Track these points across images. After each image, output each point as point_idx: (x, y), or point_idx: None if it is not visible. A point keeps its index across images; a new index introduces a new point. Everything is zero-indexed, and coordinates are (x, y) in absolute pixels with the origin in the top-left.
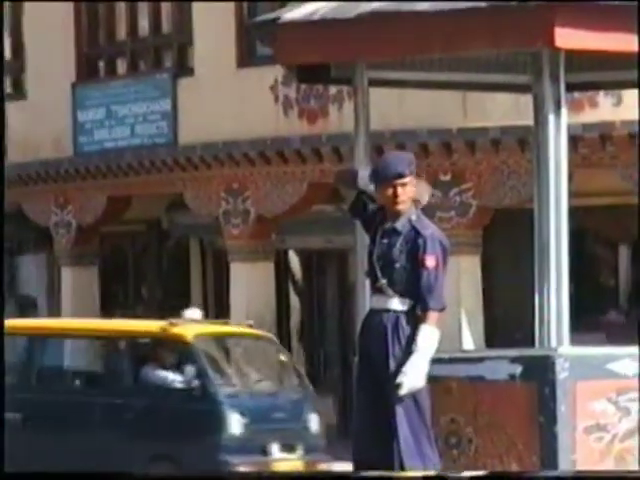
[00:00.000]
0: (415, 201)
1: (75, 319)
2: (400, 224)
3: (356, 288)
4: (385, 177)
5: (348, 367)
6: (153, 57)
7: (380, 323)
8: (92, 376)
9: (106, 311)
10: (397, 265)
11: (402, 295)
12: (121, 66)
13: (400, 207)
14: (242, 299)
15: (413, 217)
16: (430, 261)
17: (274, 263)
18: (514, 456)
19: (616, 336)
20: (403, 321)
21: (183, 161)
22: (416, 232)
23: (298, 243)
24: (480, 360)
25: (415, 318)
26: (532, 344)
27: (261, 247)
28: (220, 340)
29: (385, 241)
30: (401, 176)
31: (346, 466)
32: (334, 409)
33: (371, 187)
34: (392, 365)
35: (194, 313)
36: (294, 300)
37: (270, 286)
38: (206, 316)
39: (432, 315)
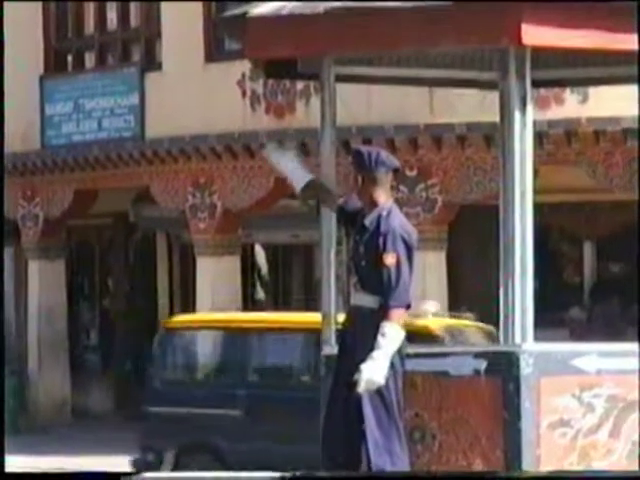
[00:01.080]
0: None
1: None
2: (369, 220)
3: (321, 283)
4: (392, 165)
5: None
6: (121, 51)
7: (352, 320)
8: (301, 371)
9: (72, 303)
10: (363, 263)
11: (371, 292)
12: (89, 60)
13: (365, 203)
14: (208, 293)
15: (384, 213)
16: (389, 259)
17: (240, 257)
18: (478, 451)
19: (579, 332)
20: (369, 318)
21: (150, 155)
22: (378, 230)
23: (264, 237)
24: (445, 355)
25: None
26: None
27: (227, 241)
28: (460, 333)
29: (357, 238)
30: (359, 169)
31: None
32: None
33: (339, 199)
34: (358, 361)
35: (432, 305)
36: (260, 294)
37: (236, 280)
38: (171, 310)
39: (394, 312)
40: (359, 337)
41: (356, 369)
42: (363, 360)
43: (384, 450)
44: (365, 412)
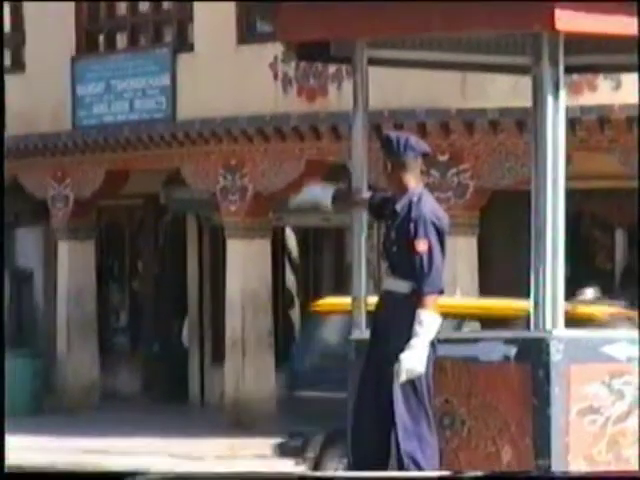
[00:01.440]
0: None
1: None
2: (400, 206)
3: (352, 267)
4: (421, 150)
5: None
6: (153, 32)
7: (385, 305)
8: None
9: (102, 285)
10: (394, 249)
11: (403, 278)
12: (121, 41)
13: (393, 190)
14: (238, 276)
15: (414, 198)
16: (421, 245)
17: (271, 240)
18: (507, 438)
19: None
20: (402, 304)
21: (181, 136)
22: (409, 215)
23: (295, 221)
24: (475, 341)
25: (415, 301)
26: (528, 326)
27: (258, 224)
28: (624, 319)
29: (388, 223)
30: (388, 155)
31: None
32: None
33: (365, 196)
34: (391, 350)
35: (591, 293)
36: (290, 278)
37: (266, 263)
38: (200, 293)
39: (428, 299)
40: (391, 322)
41: (389, 355)
42: (396, 346)
43: (413, 435)
44: (395, 397)
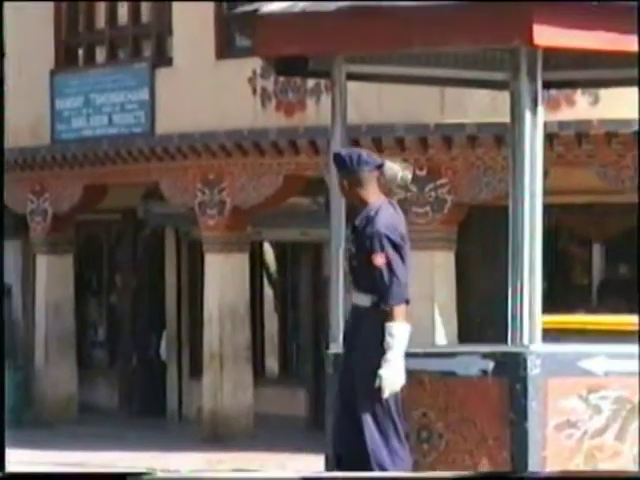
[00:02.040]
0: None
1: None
2: (358, 220)
3: (330, 281)
4: (375, 163)
5: (321, 360)
6: (132, 46)
7: (351, 318)
8: None
9: (80, 299)
10: (354, 263)
11: (364, 291)
12: (100, 54)
13: (354, 203)
14: (216, 290)
15: (372, 213)
16: (378, 259)
17: (249, 255)
18: (484, 452)
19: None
20: (364, 316)
21: (160, 151)
22: (364, 230)
23: (273, 235)
24: (452, 355)
25: (378, 313)
26: (505, 341)
27: (236, 238)
28: None
29: (350, 238)
30: (340, 170)
31: (317, 458)
32: (305, 401)
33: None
34: (357, 362)
35: None
36: (268, 292)
37: (244, 277)
38: (178, 307)
39: (396, 310)
40: (355, 335)
41: (351, 367)
42: (357, 358)
43: (382, 447)
44: (362, 410)
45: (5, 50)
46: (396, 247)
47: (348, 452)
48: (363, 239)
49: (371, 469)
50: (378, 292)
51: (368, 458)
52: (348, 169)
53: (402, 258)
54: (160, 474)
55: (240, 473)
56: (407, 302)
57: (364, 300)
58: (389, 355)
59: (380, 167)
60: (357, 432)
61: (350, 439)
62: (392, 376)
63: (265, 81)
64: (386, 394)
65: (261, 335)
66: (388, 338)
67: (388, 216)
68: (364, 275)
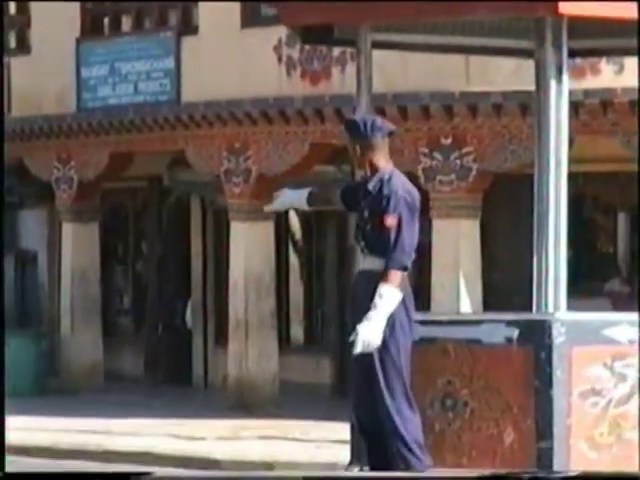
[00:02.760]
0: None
1: None
2: (372, 185)
3: (354, 249)
4: (388, 129)
5: (345, 327)
6: (158, 15)
7: (361, 283)
8: None
9: (105, 267)
10: (368, 227)
11: (377, 256)
12: (126, 23)
13: (363, 169)
14: (241, 258)
15: (385, 177)
16: (390, 220)
17: (274, 223)
18: (509, 420)
19: (621, 304)
20: (377, 281)
21: (186, 119)
22: (381, 193)
23: None
24: (477, 323)
25: None
26: (530, 309)
27: (261, 206)
28: None
29: (362, 203)
30: (351, 136)
31: (342, 426)
32: (330, 368)
33: (295, 203)
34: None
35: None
36: (293, 260)
37: (269, 246)
38: (204, 275)
39: (391, 274)
40: (363, 299)
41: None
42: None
43: (395, 411)
44: (375, 373)
45: (30, 19)
46: (411, 210)
47: (369, 418)
48: (379, 199)
49: (387, 437)
50: (385, 254)
51: (383, 426)
52: (362, 134)
53: (414, 224)
54: (160, 474)
55: (241, 472)
56: (405, 269)
57: (377, 264)
58: (372, 314)
59: (392, 134)
60: (373, 398)
61: (368, 404)
62: (369, 335)
63: (290, 49)
64: (358, 349)
65: (286, 303)
66: (377, 298)
67: (404, 180)
68: (378, 238)
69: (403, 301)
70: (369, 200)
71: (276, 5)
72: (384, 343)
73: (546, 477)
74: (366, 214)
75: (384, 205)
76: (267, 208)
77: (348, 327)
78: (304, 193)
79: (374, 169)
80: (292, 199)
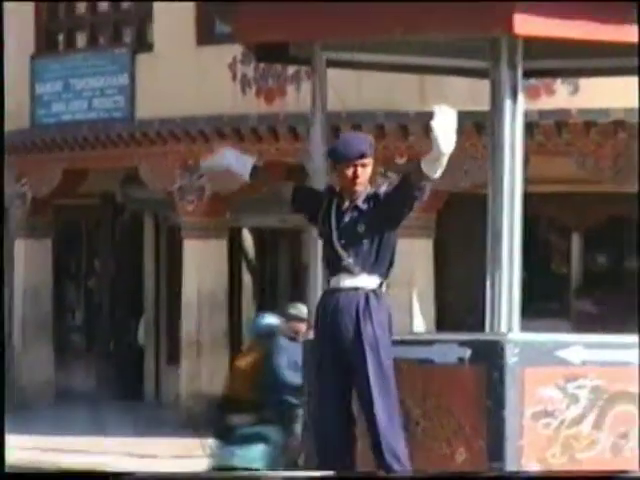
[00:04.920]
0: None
1: None
2: (361, 201)
3: (309, 268)
4: (347, 156)
5: None
6: (112, 32)
7: (349, 302)
8: None
9: (58, 283)
10: (364, 241)
11: (370, 272)
12: (80, 40)
13: (359, 187)
14: (194, 275)
15: (370, 192)
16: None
17: (227, 241)
18: (461, 440)
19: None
20: (373, 299)
21: (139, 136)
22: (375, 196)
23: (252, 221)
24: (430, 343)
25: (383, 296)
26: (483, 329)
27: (215, 224)
28: None
29: (346, 220)
30: (363, 156)
31: None
32: None
33: (234, 166)
34: (365, 344)
35: None
36: (246, 278)
37: (223, 263)
38: (157, 292)
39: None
40: (357, 319)
41: (357, 352)
42: (372, 343)
43: (391, 432)
44: (373, 394)
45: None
46: None
47: (341, 437)
48: (375, 203)
49: (382, 453)
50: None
51: (379, 443)
52: (370, 153)
53: None
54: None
55: (221, 473)
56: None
57: (366, 282)
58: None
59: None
60: (350, 416)
61: (345, 430)
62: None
63: (245, 67)
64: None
65: (239, 321)
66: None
67: None
68: (373, 253)
69: (389, 320)
70: (362, 215)
71: (231, 22)
72: (379, 360)
73: (510, 477)
74: (360, 228)
75: (384, 188)
76: (203, 164)
77: (319, 354)
78: (248, 161)
79: (365, 185)
80: (233, 163)
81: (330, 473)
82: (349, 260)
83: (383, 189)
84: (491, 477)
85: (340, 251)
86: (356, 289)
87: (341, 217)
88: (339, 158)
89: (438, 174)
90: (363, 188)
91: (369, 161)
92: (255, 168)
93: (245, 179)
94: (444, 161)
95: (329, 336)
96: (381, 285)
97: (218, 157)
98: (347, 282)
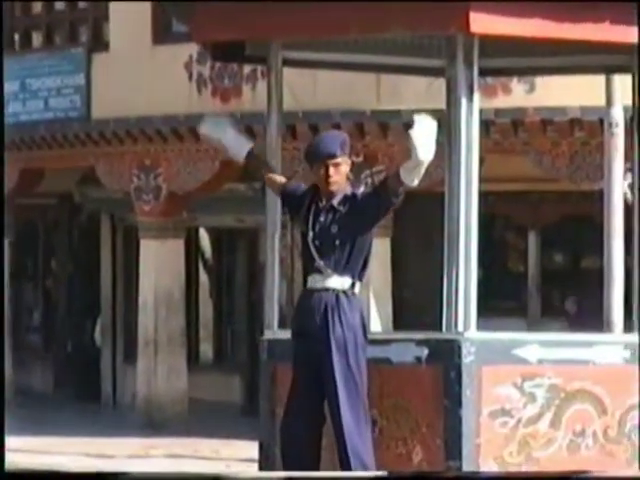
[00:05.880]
0: (348, 178)
1: None
2: (337, 201)
3: (266, 267)
4: (318, 156)
5: (255, 347)
6: (68, 31)
7: (319, 302)
8: None
9: (15, 283)
10: (337, 242)
11: (341, 274)
12: (36, 39)
13: (333, 187)
14: (151, 275)
15: (348, 192)
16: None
17: (184, 240)
18: (418, 439)
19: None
20: (343, 300)
21: (96, 136)
22: (353, 197)
23: (209, 221)
24: (387, 342)
25: (355, 297)
26: (440, 328)
27: (172, 224)
28: None
29: (322, 219)
30: (333, 156)
31: (251, 445)
32: (240, 387)
33: (232, 147)
34: (333, 345)
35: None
36: (203, 278)
37: (179, 263)
38: (113, 292)
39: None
40: (326, 319)
41: (326, 351)
42: (341, 343)
43: (356, 433)
44: (339, 395)
45: None
46: None
47: (308, 440)
48: (351, 206)
49: (347, 457)
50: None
51: (345, 446)
52: (343, 152)
53: None
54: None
55: (218, 473)
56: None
57: (337, 283)
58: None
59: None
60: (319, 419)
61: (314, 426)
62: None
63: (201, 67)
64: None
65: (196, 321)
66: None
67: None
68: (346, 255)
69: (362, 322)
70: (337, 216)
71: (187, 22)
72: (347, 361)
73: (471, 477)
74: (334, 229)
75: (361, 192)
76: (203, 127)
77: (294, 353)
78: (245, 144)
79: (341, 186)
80: (231, 144)
81: (333, 473)
82: (321, 261)
83: (361, 191)
84: (450, 477)
85: (314, 251)
86: (327, 290)
87: (317, 217)
88: (310, 158)
89: (416, 182)
90: (337, 187)
91: (342, 160)
92: (251, 152)
93: (238, 160)
94: (422, 169)
95: (301, 335)
96: (353, 286)
97: (218, 130)
98: (319, 283)
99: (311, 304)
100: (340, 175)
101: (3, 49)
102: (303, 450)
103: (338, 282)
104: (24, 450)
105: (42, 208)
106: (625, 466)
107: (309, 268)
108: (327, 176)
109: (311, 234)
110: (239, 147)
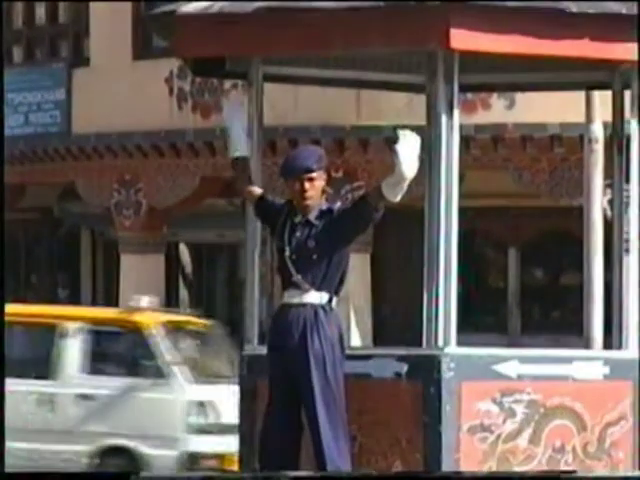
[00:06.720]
0: (324, 193)
1: None
2: (313, 216)
3: (246, 282)
4: (293, 171)
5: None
6: (49, 46)
7: (298, 318)
8: None
9: None
10: (314, 257)
11: (319, 289)
12: (17, 54)
13: (308, 202)
14: (131, 290)
15: (324, 207)
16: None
17: (165, 255)
18: (397, 454)
19: None
20: (321, 315)
21: (76, 151)
22: (329, 212)
23: (189, 236)
24: (367, 358)
25: (332, 312)
26: (420, 343)
27: (152, 239)
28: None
29: (298, 234)
30: (308, 170)
31: None
32: None
33: (242, 145)
34: (312, 360)
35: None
36: (183, 293)
37: (160, 278)
38: (94, 306)
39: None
40: (304, 334)
41: (303, 366)
42: (319, 358)
43: (334, 448)
44: (317, 410)
45: None
46: None
47: (289, 457)
48: (328, 221)
49: (324, 464)
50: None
51: (322, 453)
52: (319, 167)
53: None
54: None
55: (222, 473)
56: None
57: (315, 298)
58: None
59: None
60: (312, 435)
61: (291, 444)
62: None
63: (182, 82)
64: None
65: None
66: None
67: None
68: (323, 270)
69: (340, 336)
70: (314, 230)
71: (168, 37)
72: (325, 376)
73: (456, 477)
74: (311, 244)
75: (337, 207)
76: (227, 112)
77: (270, 368)
78: (244, 145)
79: (318, 199)
80: (243, 145)
81: (332, 473)
82: (298, 276)
83: (338, 206)
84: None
85: (290, 266)
86: (304, 305)
87: (293, 232)
88: (285, 173)
89: (398, 198)
90: (313, 202)
91: (317, 175)
92: (243, 158)
93: (230, 154)
94: (405, 185)
95: (278, 350)
96: (330, 301)
97: (232, 115)
98: (296, 298)
99: (289, 319)
100: (315, 190)
101: (3, 48)
102: (282, 465)
103: (316, 297)
104: None
105: (23, 223)
106: None
107: (285, 283)
108: (303, 191)
109: (288, 249)
110: (237, 143)
